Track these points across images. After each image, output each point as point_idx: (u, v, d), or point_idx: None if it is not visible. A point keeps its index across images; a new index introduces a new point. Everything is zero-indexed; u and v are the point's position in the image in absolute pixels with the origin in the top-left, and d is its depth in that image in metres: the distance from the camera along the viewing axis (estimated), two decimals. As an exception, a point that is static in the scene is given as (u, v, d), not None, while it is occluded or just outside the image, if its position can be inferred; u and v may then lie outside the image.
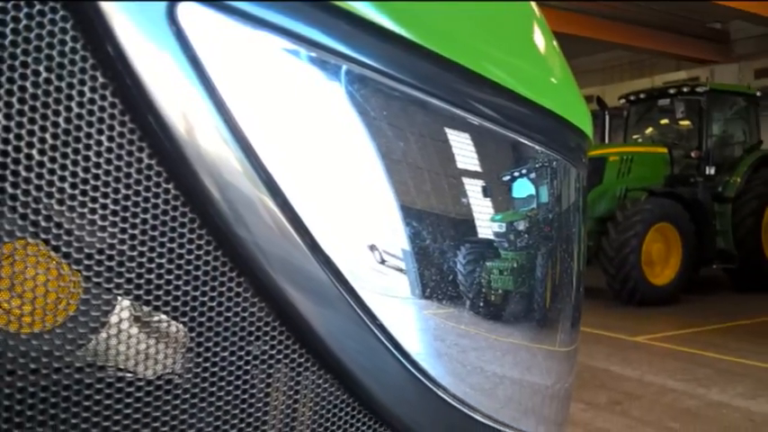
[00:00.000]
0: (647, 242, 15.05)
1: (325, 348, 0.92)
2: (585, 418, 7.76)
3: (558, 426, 1.36)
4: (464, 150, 1.03)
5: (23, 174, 0.68)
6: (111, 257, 0.75)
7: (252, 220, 0.81)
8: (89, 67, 0.70)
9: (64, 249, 0.72)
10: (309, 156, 0.87)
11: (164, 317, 0.84)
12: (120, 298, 0.79)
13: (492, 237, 1.08)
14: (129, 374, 0.83)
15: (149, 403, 0.82)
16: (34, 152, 0.68)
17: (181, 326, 0.85)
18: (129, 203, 0.74)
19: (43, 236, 0.71)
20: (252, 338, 0.88)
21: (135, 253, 0.76)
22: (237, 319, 0.86)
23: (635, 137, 19.16)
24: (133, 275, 0.77)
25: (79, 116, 0.69)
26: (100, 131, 0.71)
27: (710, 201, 17.22)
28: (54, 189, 0.70)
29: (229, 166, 0.79)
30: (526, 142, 1.14)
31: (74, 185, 0.70)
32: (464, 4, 1.04)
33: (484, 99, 1.04)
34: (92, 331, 0.79)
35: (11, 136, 0.66)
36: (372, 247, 0.94)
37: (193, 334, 0.84)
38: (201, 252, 0.81)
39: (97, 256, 0.74)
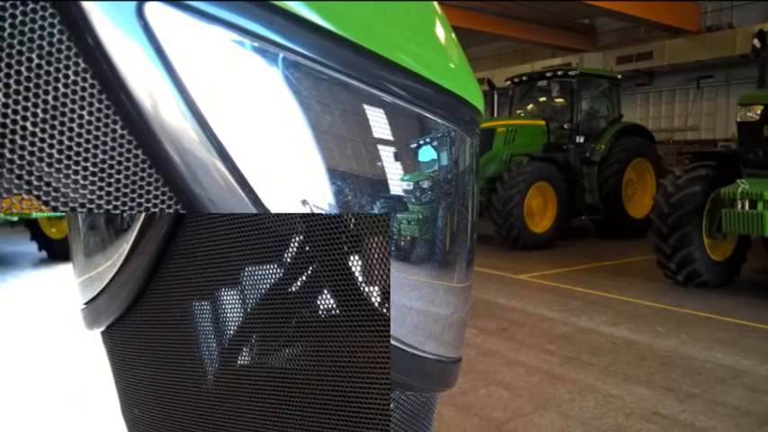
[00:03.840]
0: (528, 198, 15.32)
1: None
2: (478, 341, 7.91)
3: (456, 348, 1.38)
4: (379, 123, 1.04)
5: (19, 142, 0.68)
6: (90, 211, 0.76)
7: (205, 180, 0.83)
8: (73, 55, 0.70)
9: (52, 204, 0.73)
10: (253, 127, 0.88)
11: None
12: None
13: (402, 193, 1.10)
14: None
15: None
16: (28, 124, 0.68)
17: None
18: (105, 167, 0.75)
19: (35, 192, 0.72)
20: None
21: (110, 207, 0.77)
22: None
23: (518, 112, 19.32)
24: (109, 226, 0.78)
25: (65, 95, 0.70)
26: (81, 107, 0.71)
27: (580, 164, 17.53)
28: (44, 154, 0.70)
29: (187, 136, 0.80)
30: (429, 116, 1.15)
31: (60, 152, 0.71)
32: (379, 4, 1.06)
33: (395, 81, 1.05)
34: None
35: (9, 111, 0.67)
36: (304, 202, 0.95)
37: None
38: (165, 206, 0.82)
39: (79, 210, 0.75)
